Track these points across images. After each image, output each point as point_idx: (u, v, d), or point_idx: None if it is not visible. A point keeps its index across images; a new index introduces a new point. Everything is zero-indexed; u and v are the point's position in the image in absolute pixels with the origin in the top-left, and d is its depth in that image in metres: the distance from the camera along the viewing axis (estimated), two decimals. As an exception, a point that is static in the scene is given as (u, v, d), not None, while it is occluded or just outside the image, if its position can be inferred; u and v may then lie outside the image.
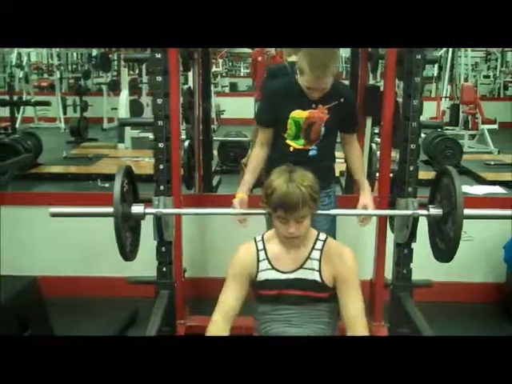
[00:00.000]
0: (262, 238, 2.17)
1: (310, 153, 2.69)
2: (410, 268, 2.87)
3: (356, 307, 2.03)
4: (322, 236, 2.14)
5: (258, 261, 2.11)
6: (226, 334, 2.02)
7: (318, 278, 2.06)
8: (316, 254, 2.08)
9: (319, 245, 2.10)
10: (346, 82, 4.07)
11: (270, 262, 2.10)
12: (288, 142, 2.68)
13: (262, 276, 2.10)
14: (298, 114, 2.63)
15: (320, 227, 2.40)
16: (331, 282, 2.06)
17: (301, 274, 2.07)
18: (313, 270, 2.07)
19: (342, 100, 2.63)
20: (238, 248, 2.17)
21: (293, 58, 3.50)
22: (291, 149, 2.69)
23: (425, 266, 2.94)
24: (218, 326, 2.03)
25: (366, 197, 2.73)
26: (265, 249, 2.13)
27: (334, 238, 2.71)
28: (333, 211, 2.68)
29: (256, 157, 2.76)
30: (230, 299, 2.08)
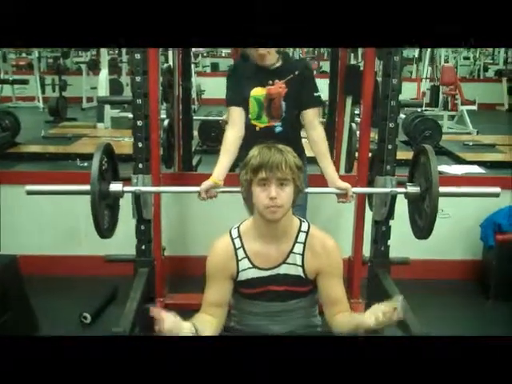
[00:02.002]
0: (239, 231, 2.03)
1: (277, 129, 2.69)
2: (388, 245, 2.90)
3: (340, 292, 1.99)
4: (305, 227, 2.02)
5: (238, 260, 1.99)
6: (205, 317, 1.94)
7: (301, 273, 1.98)
8: (299, 248, 1.99)
9: (302, 237, 2.00)
10: (327, 63, 4.07)
11: (250, 261, 1.99)
12: (253, 122, 2.71)
13: (243, 275, 1.99)
14: (258, 91, 2.67)
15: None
16: (313, 276, 1.99)
17: (284, 270, 1.98)
18: (296, 265, 1.98)
19: (297, 72, 2.66)
20: (213, 245, 2.04)
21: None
22: (257, 128, 2.71)
23: (403, 244, 2.98)
24: (199, 315, 1.95)
25: (339, 181, 2.66)
26: (243, 246, 2.00)
27: (305, 214, 2.70)
28: (312, 189, 2.68)
29: (229, 138, 2.70)
30: (214, 294, 1.99)
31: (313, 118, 2.72)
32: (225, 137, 2.72)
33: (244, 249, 2.00)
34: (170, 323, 1.69)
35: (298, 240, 2.00)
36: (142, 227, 2.84)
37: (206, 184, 2.59)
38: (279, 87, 2.65)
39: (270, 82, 2.66)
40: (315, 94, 2.74)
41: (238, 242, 2.01)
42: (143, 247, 2.85)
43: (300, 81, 2.68)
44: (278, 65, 2.70)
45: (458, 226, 3.93)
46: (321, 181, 2.75)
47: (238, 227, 2.05)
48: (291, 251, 1.99)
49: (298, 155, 2.60)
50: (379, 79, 2.97)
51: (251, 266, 1.99)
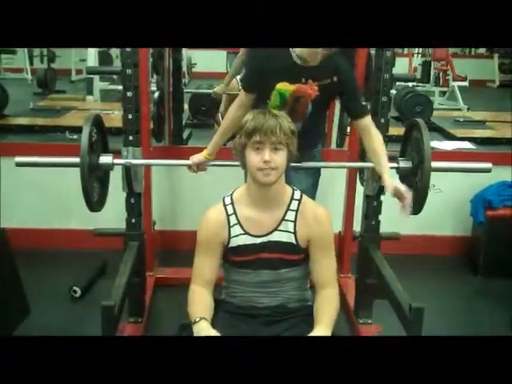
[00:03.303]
0: (231, 198, 2.05)
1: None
2: (379, 220, 2.90)
3: (329, 269, 2.00)
4: (297, 195, 2.04)
5: (230, 226, 2.00)
6: (209, 300, 1.97)
7: (293, 241, 1.99)
8: (291, 216, 2.00)
9: (294, 205, 2.01)
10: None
11: (242, 227, 2.00)
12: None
13: (234, 242, 2.00)
14: (285, 86, 2.41)
15: (301, 184, 2.43)
16: (305, 244, 2.00)
17: (276, 237, 1.99)
18: (288, 232, 1.99)
19: (335, 79, 2.41)
20: (205, 213, 2.05)
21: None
22: None
23: (393, 219, 2.98)
24: (200, 293, 1.98)
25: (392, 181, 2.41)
26: (235, 212, 2.01)
27: (314, 197, 2.66)
28: (307, 164, 2.63)
29: (231, 118, 2.54)
30: (204, 267, 2.01)
31: (370, 124, 2.51)
32: (228, 113, 2.58)
33: (236, 215, 2.02)
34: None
35: (291, 207, 2.02)
36: (132, 200, 2.82)
37: (197, 158, 2.59)
38: (310, 88, 2.40)
39: (303, 79, 2.40)
40: (359, 101, 2.53)
41: (230, 209, 2.03)
42: (133, 221, 2.83)
43: (337, 87, 2.43)
44: (315, 63, 2.40)
45: (449, 202, 3.94)
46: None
47: (231, 194, 2.07)
48: (283, 218, 2.01)
49: (315, 145, 2.72)
50: (372, 52, 2.94)
51: (243, 232, 2.00)
